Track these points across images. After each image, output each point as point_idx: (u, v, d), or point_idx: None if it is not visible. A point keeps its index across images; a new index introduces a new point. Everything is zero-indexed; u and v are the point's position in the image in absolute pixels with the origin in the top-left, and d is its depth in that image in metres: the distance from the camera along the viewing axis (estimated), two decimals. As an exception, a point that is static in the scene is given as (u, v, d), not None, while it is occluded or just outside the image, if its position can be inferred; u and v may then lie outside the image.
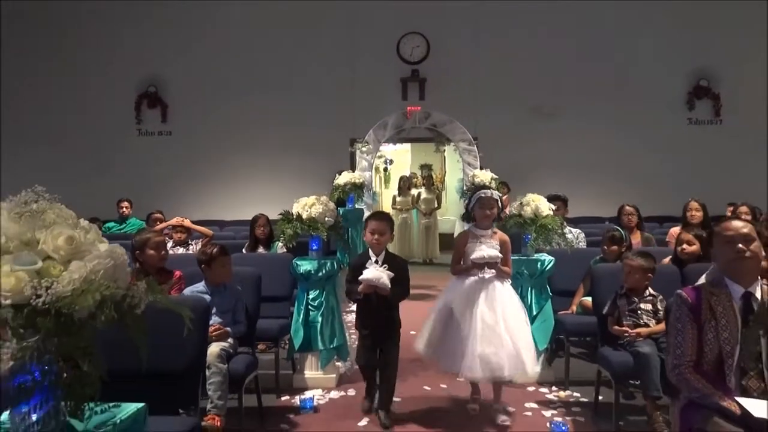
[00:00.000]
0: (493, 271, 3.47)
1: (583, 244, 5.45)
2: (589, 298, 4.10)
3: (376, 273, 3.30)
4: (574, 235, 5.42)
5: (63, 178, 8.66)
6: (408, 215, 10.84)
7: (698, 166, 9.17)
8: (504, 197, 8.43)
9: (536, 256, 4.33)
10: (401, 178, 11.34)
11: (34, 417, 1.21)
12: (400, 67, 9.71)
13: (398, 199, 10.92)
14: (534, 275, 4.23)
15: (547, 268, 4.23)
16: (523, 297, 4.16)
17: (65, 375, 1.14)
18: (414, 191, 11.24)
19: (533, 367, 3.71)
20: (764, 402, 2.14)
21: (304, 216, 4.20)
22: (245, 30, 9.74)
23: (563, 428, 3.29)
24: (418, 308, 7.16)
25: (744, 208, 5.46)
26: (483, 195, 3.60)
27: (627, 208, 5.41)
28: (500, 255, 3.49)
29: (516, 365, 3.39)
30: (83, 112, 9.72)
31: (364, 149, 7.90)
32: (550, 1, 9.38)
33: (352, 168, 8.59)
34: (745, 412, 2.09)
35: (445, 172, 13.87)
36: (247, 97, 9.69)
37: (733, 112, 9.40)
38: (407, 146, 13.16)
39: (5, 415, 1.34)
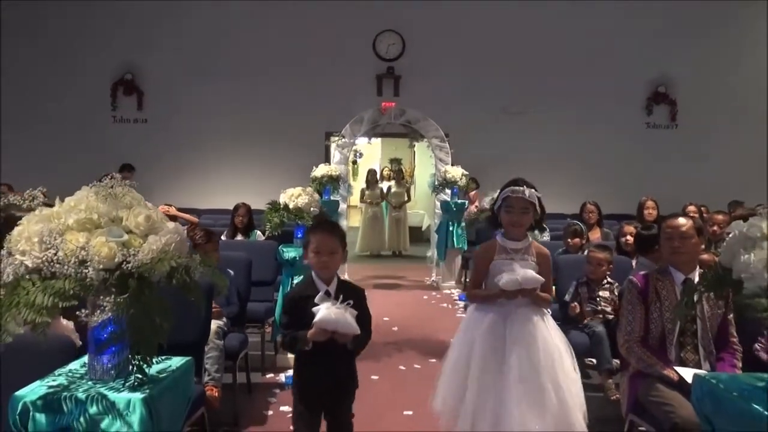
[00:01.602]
0: (529, 299, 2.49)
1: (547, 238, 5.85)
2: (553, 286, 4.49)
3: (336, 312, 2.22)
4: (538, 230, 5.81)
5: (37, 164, 8.72)
6: (378, 208, 11.12)
7: (654, 167, 9.72)
8: (473, 193, 8.84)
9: (505, 247, 4.68)
10: (369, 172, 11.57)
11: (109, 364, 1.48)
12: (376, 64, 9.99)
13: (367, 192, 11.19)
14: (502, 265, 4.59)
15: (515, 258, 4.59)
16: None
17: (141, 326, 1.41)
18: (384, 184, 11.54)
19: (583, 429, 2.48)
20: (696, 370, 2.52)
21: (291, 206, 4.47)
22: (222, 20, 9.84)
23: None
24: (390, 297, 7.53)
25: (692, 207, 5.97)
26: (511, 192, 2.53)
27: (589, 205, 5.83)
28: (540, 278, 2.46)
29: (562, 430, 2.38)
30: (58, 98, 9.69)
31: (340, 143, 8.15)
32: (521, 3, 9.76)
33: (327, 161, 8.84)
34: (682, 380, 2.48)
35: (415, 166, 14.22)
36: (223, 88, 9.81)
37: (687, 117, 9.98)
38: (378, 140, 13.45)
39: (77, 362, 1.61)
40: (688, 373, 2.51)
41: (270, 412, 3.67)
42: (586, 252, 4.38)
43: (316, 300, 2.28)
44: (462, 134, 9.17)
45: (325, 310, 2.23)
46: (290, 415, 3.60)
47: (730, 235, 1.48)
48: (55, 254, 1.29)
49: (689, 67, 9.90)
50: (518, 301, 2.48)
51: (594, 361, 3.57)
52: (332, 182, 7.68)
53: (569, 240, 4.90)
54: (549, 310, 2.67)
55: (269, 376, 4.29)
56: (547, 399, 2.36)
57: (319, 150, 9.59)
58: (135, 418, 1.36)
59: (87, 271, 1.29)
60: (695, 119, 9.92)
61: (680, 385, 2.46)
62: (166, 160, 9.76)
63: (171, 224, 1.48)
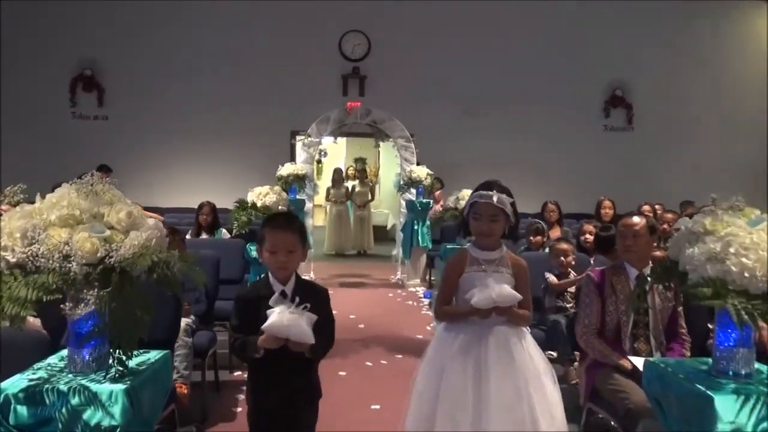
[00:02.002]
0: (505, 317, 2.22)
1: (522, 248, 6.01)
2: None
3: (289, 318, 1.97)
4: (502, 228, 5.97)
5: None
6: (343, 207, 11.17)
7: (612, 168, 10.05)
8: (438, 192, 8.98)
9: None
10: (335, 171, 11.63)
11: (89, 357, 1.52)
12: (342, 64, 10.04)
13: (332, 191, 11.22)
14: (467, 262, 4.71)
15: (479, 256, 4.73)
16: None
17: (123, 319, 1.45)
18: (348, 184, 11.61)
19: None
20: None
21: (259, 204, 4.50)
22: (187, 18, 9.74)
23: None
24: (356, 295, 7.60)
25: (646, 207, 6.23)
26: (479, 197, 2.26)
27: (550, 205, 6.03)
28: (518, 295, 2.20)
29: None
30: (13, 94, 9.43)
31: (306, 142, 8.18)
32: (484, 5, 9.95)
33: (293, 160, 8.86)
34: (635, 369, 2.63)
35: (379, 166, 14.31)
36: (186, 85, 9.71)
37: (643, 120, 10.34)
38: (342, 139, 13.50)
39: (55, 357, 1.63)
40: (641, 363, 2.66)
41: (239, 409, 3.69)
42: (547, 249, 4.55)
43: (270, 302, 2.03)
44: (427, 134, 9.30)
45: (277, 315, 1.96)
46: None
47: (677, 231, 1.61)
48: (39, 249, 1.32)
49: (645, 72, 10.25)
50: (494, 319, 2.20)
51: (554, 353, 3.72)
52: (298, 181, 7.72)
53: (531, 238, 5.07)
54: (528, 327, 2.42)
55: (237, 373, 4.31)
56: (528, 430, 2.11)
57: (284, 149, 9.59)
58: (117, 409, 1.40)
59: (71, 265, 1.32)
60: (651, 122, 10.29)
61: (634, 373, 2.61)
62: (128, 158, 9.57)
63: (151, 221, 1.52)
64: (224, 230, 5.84)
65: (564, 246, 4.08)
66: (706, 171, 9.80)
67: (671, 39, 10.21)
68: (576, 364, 3.52)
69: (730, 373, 1.51)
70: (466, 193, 4.78)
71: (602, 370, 2.73)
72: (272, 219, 2.28)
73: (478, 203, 2.26)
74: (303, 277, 2.27)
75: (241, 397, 3.87)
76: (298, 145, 8.44)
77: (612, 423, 3.06)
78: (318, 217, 12.00)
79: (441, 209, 7.58)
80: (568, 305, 3.96)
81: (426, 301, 6.83)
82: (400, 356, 4.75)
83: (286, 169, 7.63)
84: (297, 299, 2.05)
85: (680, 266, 1.53)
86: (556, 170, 9.99)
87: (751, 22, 10.67)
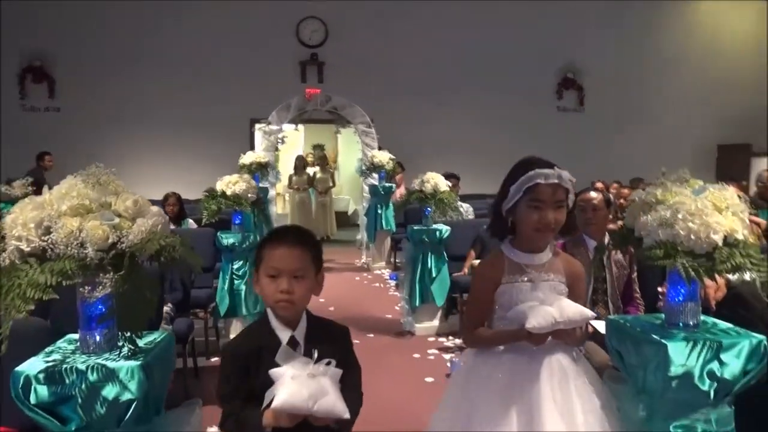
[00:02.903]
0: (562, 341, 1.72)
1: (471, 217, 6.23)
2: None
3: (311, 385, 1.43)
4: (464, 209, 6.19)
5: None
6: (305, 194, 11.24)
7: (565, 148, 10.40)
8: (398, 176, 9.15)
9: (435, 226, 5.00)
10: (297, 158, 11.66)
11: (99, 338, 1.61)
12: (299, 51, 10.05)
13: (294, 178, 11.26)
14: (433, 243, 4.91)
15: (444, 236, 4.93)
16: (424, 263, 4.84)
17: (134, 300, 1.55)
18: (308, 171, 11.66)
19: None
20: (608, 323, 2.92)
21: (229, 192, 4.55)
22: (138, 5, 9.55)
23: (461, 364, 3.98)
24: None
25: (599, 185, 6.55)
26: (543, 178, 1.69)
27: (508, 185, 6.26)
28: (590, 313, 1.70)
29: None
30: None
31: (267, 130, 8.20)
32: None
33: (252, 148, 8.87)
34: (596, 331, 2.86)
35: (338, 152, 14.37)
36: (140, 75, 9.56)
37: (594, 101, 10.74)
38: (300, 126, 13.50)
39: (63, 341, 1.72)
40: (601, 326, 2.90)
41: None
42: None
43: (277, 358, 1.48)
44: (386, 120, 9.43)
45: (292, 383, 1.41)
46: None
47: (632, 202, 1.81)
48: (57, 237, 1.41)
49: (595, 55, 10.63)
50: (548, 344, 1.68)
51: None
52: (261, 169, 7.75)
53: (493, 217, 5.28)
54: (582, 348, 2.03)
55: (214, 359, 4.40)
56: None
57: (243, 137, 9.59)
58: (134, 384, 1.50)
59: (87, 251, 1.42)
60: (601, 103, 10.70)
61: (595, 335, 2.84)
62: (83, 150, 9.32)
63: (154, 208, 1.62)
64: (191, 221, 5.87)
65: None
66: (654, 149, 10.28)
67: (620, 22, 10.60)
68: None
69: (680, 324, 1.72)
70: (431, 176, 4.95)
71: (566, 334, 2.95)
72: (277, 233, 1.63)
73: (539, 186, 1.67)
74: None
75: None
76: (258, 133, 8.45)
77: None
78: (278, 206, 12.03)
79: (405, 193, 7.77)
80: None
81: (392, 283, 7.02)
82: (371, 335, 4.92)
83: (248, 158, 7.65)
84: (315, 353, 1.49)
85: (636, 232, 1.73)
86: (513, 152, 10.11)
87: (695, 5, 11.17)
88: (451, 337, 4.85)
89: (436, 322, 4.94)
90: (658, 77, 10.79)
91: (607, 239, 3.01)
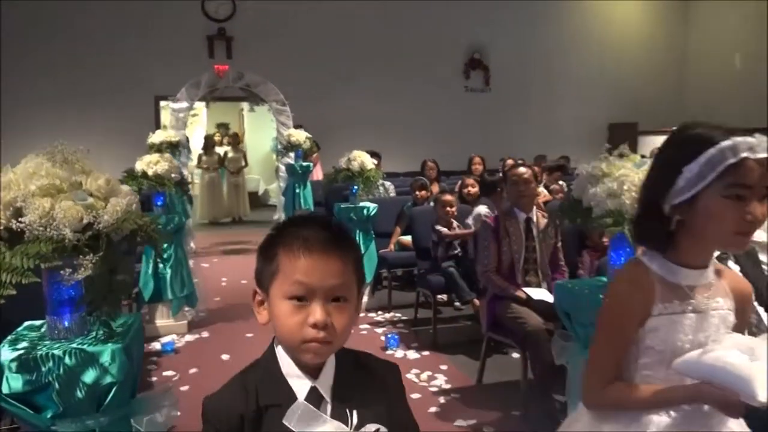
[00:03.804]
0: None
1: (393, 194, 6.36)
2: (407, 237, 5.00)
3: None
4: (386, 187, 6.31)
5: None
6: (215, 174, 10.93)
7: (473, 127, 10.82)
8: (315, 156, 9.11)
9: (362, 203, 5.08)
10: (206, 137, 11.31)
11: (67, 323, 1.55)
12: (206, 25, 9.66)
13: (204, 158, 10.91)
14: (361, 220, 4.98)
15: (372, 213, 5.02)
16: (352, 239, 4.91)
17: (108, 282, 1.50)
18: (219, 150, 11.33)
19: None
20: (539, 289, 3.16)
21: (150, 173, 4.36)
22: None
23: (395, 338, 4.13)
24: (244, 261, 7.63)
25: (510, 161, 6.91)
26: (750, 150, 1.09)
27: (429, 163, 6.46)
28: None
29: None
30: None
31: (176, 107, 7.85)
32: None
33: (158, 127, 8.46)
34: (528, 297, 3.08)
35: (245, 131, 14.02)
36: (40, 52, 8.83)
37: (499, 81, 11.19)
38: (201, 104, 13.02)
39: (21, 328, 1.64)
40: (533, 292, 3.13)
41: (154, 378, 3.69)
42: (432, 203, 4.95)
43: (286, 419, 0.96)
44: (298, 98, 9.32)
45: None
46: (176, 377, 3.68)
47: (578, 176, 1.97)
48: (33, 219, 1.34)
49: (501, 36, 11.06)
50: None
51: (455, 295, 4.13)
52: (172, 148, 7.42)
53: (417, 193, 5.43)
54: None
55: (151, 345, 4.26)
56: None
57: (149, 116, 9.15)
58: (115, 367, 1.47)
59: (65, 232, 1.36)
60: (506, 83, 11.17)
61: (528, 302, 3.06)
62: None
63: (125, 187, 1.57)
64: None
65: (448, 197, 4.47)
66: (555, 129, 10.93)
67: (525, 4, 11.06)
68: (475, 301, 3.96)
69: (621, 285, 1.92)
70: (358, 154, 4.99)
71: (501, 302, 3.16)
72: (297, 224, 1.03)
73: (746, 164, 1.10)
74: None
75: (154, 367, 3.86)
76: (169, 111, 8.07)
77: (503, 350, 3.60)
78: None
79: (332, 171, 7.76)
80: (455, 251, 4.38)
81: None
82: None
83: (158, 136, 7.28)
84: (354, 414, 1.00)
85: (584, 203, 1.90)
86: (425, 130, 10.54)
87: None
88: (380, 312, 4.98)
89: (365, 298, 5.03)
90: (557, 62, 11.43)
91: (534, 215, 3.25)
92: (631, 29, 11.99)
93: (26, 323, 1.65)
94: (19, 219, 1.33)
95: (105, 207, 1.47)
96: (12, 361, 1.42)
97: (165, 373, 3.74)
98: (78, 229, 1.42)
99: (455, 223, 4.45)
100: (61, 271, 1.38)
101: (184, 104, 7.86)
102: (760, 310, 2.20)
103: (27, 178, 1.41)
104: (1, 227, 1.37)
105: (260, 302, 1.04)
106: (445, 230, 4.33)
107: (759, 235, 2.57)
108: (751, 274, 1.86)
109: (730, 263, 1.77)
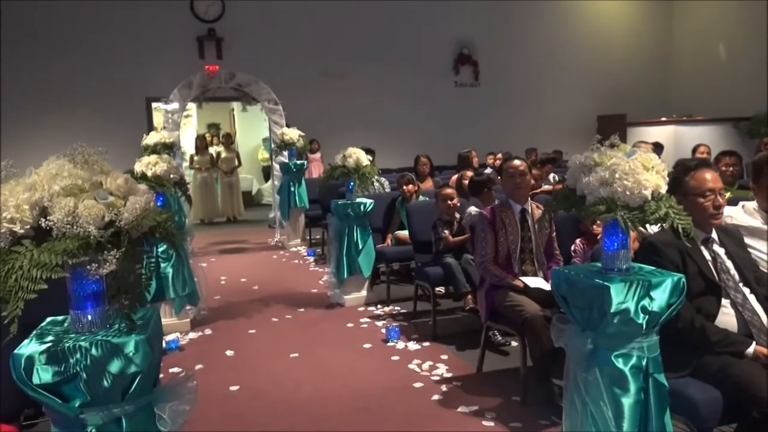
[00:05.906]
0: None
1: (388, 190, 6.44)
2: (404, 232, 5.09)
3: None
4: (381, 183, 6.38)
5: None
6: (207, 174, 10.96)
7: (463, 122, 10.92)
8: (317, 154, 9.19)
9: (358, 200, 5.15)
10: (198, 137, 11.35)
11: (91, 317, 1.62)
12: (196, 26, 9.69)
13: (196, 158, 10.94)
14: (358, 216, 5.05)
15: (369, 209, 5.09)
16: (350, 236, 4.99)
17: (131, 277, 1.57)
18: (211, 150, 11.37)
19: None
20: (535, 278, 3.25)
21: (149, 174, 4.41)
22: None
23: (395, 330, 4.21)
24: (240, 260, 7.67)
25: (500, 155, 7.03)
26: None
27: (422, 158, 6.54)
28: None
29: None
30: None
31: (169, 109, 7.89)
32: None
33: (150, 129, 8.49)
34: (525, 285, 3.17)
35: (236, 131, 14.05)
36: (31, 56, 8.84)
37: (488, 76, 11.30)
38: (192, 105, 13.02)
39: (45, 323, 1.71)
40: (530, 281, 3.22)
41: (161, 375, 3.74)
42: (420, 198, 5.03)
43: None
44: (289, 96, 9.37)
45: None
46: (181, 373, 3.74)
47: (571, 166, 2.06)
48: (60, 218, 1.41)
49: (489, 31, 11.16)
50: None
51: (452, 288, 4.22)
52: (166, 149, 7.46)
53: (404, 188, 5.50)
54: None
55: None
56: None
57: (141, 117, 9.17)
58: (139, 357, 1.54)
59: (90, 230, 1.43)
60: (495, 78, 11.28)
61: (525, 290, 3.15)
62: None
63: (143, 186, 1.64)
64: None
65: (448, 191, 4.54)
66: (545, 122, 11.05)
67: (512, 5, 11.17)
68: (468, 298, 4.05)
69: (615, 269, 2.00)
70: (353, 151, 5.05)
71: (499, 291, 3.25)
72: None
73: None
74: None
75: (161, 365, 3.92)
76: (161, 113, 8.11)
77: (500, 338, 3.70)
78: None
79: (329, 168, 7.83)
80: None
81: (311, 259, 7.11)
82: (302, 310, 5.02)
83: (152, 138, 7.31)
84: None
85: (578, 192, 1.98)
86: (416, 126, 10.63)
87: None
88: (379, 306, 5.06)
89: (364, 293, 5.12)
90: (546, 56, 11.55)
91: (529, 207, 3.34)
92: (618, 23, 12.14)
93: (48, 319, 1.72)
94: (47, 218, 1.40)
95: (125, 205, 1.54)
96: (41, 353, 1.49)
97: (171, 370, 3.79)
98: (101, 227, 1.49)
99: (458, 216, 4.50)
100: (87, 266, 1.45)
101: (177, 105, 7.91)
102: (746, 290, 2.30)
103: (51, 179, 1.48)
104: (28, 226, 1.43)
105: None
106: (447, 234, 4.36)
107: (746, 220, 2.67)
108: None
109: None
